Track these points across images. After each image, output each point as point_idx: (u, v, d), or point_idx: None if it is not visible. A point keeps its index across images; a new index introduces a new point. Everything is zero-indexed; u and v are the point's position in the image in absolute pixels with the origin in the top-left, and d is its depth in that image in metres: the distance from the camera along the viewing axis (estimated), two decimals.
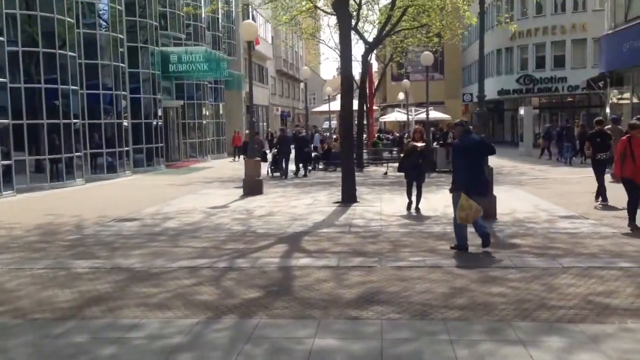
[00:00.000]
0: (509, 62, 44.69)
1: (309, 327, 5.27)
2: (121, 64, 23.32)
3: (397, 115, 48.15)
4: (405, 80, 41.80)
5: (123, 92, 23.52)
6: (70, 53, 19.73)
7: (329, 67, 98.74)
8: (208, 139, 35.18)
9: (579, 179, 19.05)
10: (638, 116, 10.80)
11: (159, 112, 27.54)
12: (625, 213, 10.29)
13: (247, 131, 22.86)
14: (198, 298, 6.23)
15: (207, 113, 35.56)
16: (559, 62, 41.22)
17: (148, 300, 6.18)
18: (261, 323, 5.40)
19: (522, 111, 35.06)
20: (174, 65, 27.92)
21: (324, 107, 49.09)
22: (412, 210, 12.27)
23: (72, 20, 20.29)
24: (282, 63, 60.16)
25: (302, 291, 6.48)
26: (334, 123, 54.65)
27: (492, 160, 22.94)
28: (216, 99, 37.72)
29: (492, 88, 46.29)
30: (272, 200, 15.08)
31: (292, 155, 23.02)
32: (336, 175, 22.00)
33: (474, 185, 8.44)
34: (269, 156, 23.25)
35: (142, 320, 5.52)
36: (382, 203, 13.88)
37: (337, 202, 14.05)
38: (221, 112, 38.83)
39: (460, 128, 8.92)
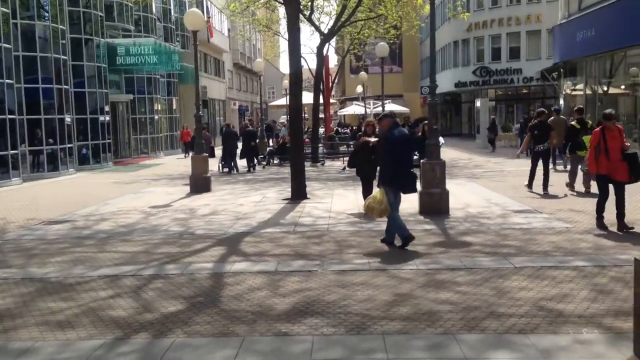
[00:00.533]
0: (466, 54, 44.73)
1: (229, 347, 4.63)
2: (62, 57, 22.15)
3: (355, 109, 47.72)
4: (362, 73, 41.42)
5: (65, 86, 22.36)
6: (4, 45, 18.59)
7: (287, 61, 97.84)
8: (160, 134, 34.11)
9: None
10: (580, 106, 10.56)
11: (106, 107, 26.42)
12: (576, 206, 9.95)
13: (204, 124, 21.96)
14: (110, 314, 5.53)
15: (160, 108, 34.47)
16: (515, 53, 41.40)
17: (52, 317, 5.45)
18: (175, 343, 4.74)
19: (478, 103, 35.01)
20: (122, 58, 26.83)
21: (282, 101, 48.34)
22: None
23: (7, 11, 19.14)
24: (240, 56, 59.16)
25: (230, 302, 5.84)
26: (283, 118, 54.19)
27: (448, 153, 22.20)
28: (169, 93, 36.60)
29: (449, 80, 46.34)
30: (219, 198, 14.37)
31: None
32: (287, 171, 21.40)
33: (399, 180, 8.14)
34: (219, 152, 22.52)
35: (37, 343, 4.80)
36: (333, 199, 13.32)
37: (286, 199, 13.44)
38: (175, 106, 37.73)
39: (390, 120, 8.45)
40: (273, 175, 20.59)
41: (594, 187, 10.20)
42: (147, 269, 7.26)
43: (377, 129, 10.48)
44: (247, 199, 13.87)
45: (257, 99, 72.09)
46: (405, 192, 8.38)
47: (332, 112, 57.16)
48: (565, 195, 13.00)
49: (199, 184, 15.69)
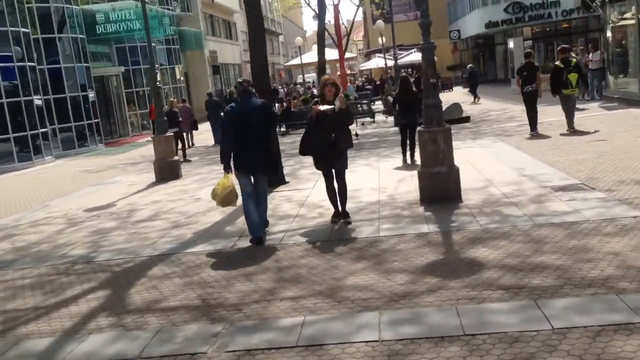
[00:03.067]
0: None
1: None
2: (22, 29, 19.41)
3: (378, 61, 43.94)
4: (379, 22, 37.49)
5: (30, 64, 19.69)
6: None
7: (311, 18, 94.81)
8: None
9: (580, 120, 15.39)
10: (564, 45, 9.77)
11: (92, 83, 23.76)
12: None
13: (172, 99, 19.12)
14: None
15: (161, 79, 31.63)
16: None
17: None
18: None
19: (511, 43, 31.02)
20: (102, 26, 23.99)
21: (296, 61, 44.94)
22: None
23: None
24: None
25: None
26: (310, 76, 50.73)
27: (480, 106, 18.43)
28: (171, 61, 33.72)
29: (478, 21, 42.10)
30: (180, 189, 11.57)
31: None
32: (291, 141, 18.47)
33: (247, 161, 6.83)
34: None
35: None
36: (317, 184, 10.32)
37: None
38: (178, 76, 34.88)
39: (240, 88, 7.25)
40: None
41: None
42: None
43: (342, 91, 7.38)
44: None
45: (279, 59, 68.94)
46: (256, 175, 6.98)
47: (351, 69, 53.37)
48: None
49: (165, 170, 12.92)
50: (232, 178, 6.95)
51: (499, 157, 11.22)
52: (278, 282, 5.35)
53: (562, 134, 13.10)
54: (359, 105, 24.79)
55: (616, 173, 8.50)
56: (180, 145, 16.31)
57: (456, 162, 9.55)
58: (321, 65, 23.87)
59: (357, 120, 22.69)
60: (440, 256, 5.63)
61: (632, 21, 17.62)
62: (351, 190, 9.20)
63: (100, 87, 26.80)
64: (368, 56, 60.91)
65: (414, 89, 12.99)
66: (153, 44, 30.17)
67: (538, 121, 13.76)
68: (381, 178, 10.31)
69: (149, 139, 26.06)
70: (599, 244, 5.45)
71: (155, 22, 26.61)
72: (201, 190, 11.05)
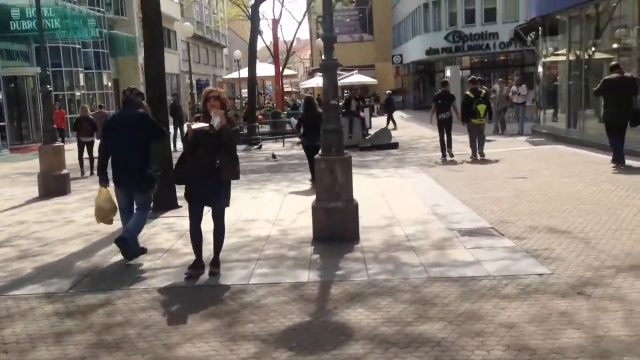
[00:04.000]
0: (437, 18, 40.42)
1: None
2: None
3: (319, 80, 43.22)
4: (319, 40, 36.73)
5: None
6: None
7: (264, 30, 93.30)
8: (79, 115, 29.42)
9: (506, 153, 14.88)
10: (473, 76, 12.09)
11: None
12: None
13: (84, 105, 17.68)
14: None
15: (84, 83, 29.93)
16: (490, 15, 37.19)
17: None
18: None
19: (448, 72, 30.89)
20: (17, 22, 22.21)
21: (234, 75, 43.76)
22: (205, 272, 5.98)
23: None
24: (196, 26, 54.13)
25: None
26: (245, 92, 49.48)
27: (411, 130, 18.70)
28: (98, 66, 31.97)
29: (419, 47, 42.18)
30: (58, 208, 10.21)
31: None
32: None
33: (119, 175, 6.46)
34: None
35: None
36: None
37: None
38: (106, 82, 33.13)
39: (123, 96, 6.77)
40: None
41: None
42: None
43: (228, 106, 6.27)
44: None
45: (222, 71, 67.52)
46: (129, 190, 6.49)
47: (293, 86, 52.38)
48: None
49: (50, 184, 11.52)
50: (108, 192, 6.59)
51: (416, 189, 10.41)
52: (93, 347, 4.20)
53: (467, 162, 13.72)
54: (288, 125, 23.92)
55: (530, 217, 7.76)
56: (87, 155, 14.90)
57: (370, 193, 8.79)
58: (251, 80, 22.80)
59: (285, 140, 21.79)
60: (307, 317, 4.62)
61: (563, 57, 17.37)
62: (243, 221, 8.21)
63: (13, 88, 24.93)
64: (312, 74, 60.44)
65: (319, 110, 12.27)
66: (80, 47, 28.57)
67: (453, 149, 14.46)
68: (284, 208, 9.29)
69: (67, 145, 24.43)
70: (494, 309, 4.57)
71: (79, 23, 25.04)
72: (81, 210, 9.75)
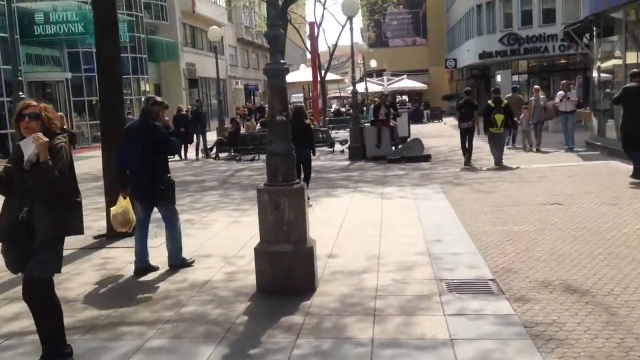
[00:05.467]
0: (491, 20, 38.03)
1: None
2: None
3: (368, 86, 41.43)
4: (362, 43, 35.27)
5: None
6: None
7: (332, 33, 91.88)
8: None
9: (550, 170, 12.93)
10: (496, 86, 13.39)
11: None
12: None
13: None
14: None
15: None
16: (549, 16, 34.61)
17: None
18: None
19: (498, 77, 28.68)
20: (41, 27, 21.64)
21: (292, 77, 42.58)
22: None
23: None
24: (244, 30, 53.52)
25: None
26: (297, 96, 48.27)
27: (454, 141, 17.25)
28: (135, 71, 31.41)
29: (473, 51, 39.93)
30: None
31: None
32: (246, 167, 16.31)
33: (134, 187, 6.29)
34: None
35: None
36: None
37: (99, 237, 8.09)
38: (144, 87, 32.57)
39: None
40: (207, 173, 15.21)
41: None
42: None
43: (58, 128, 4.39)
44: None
45: None
46: (141, 202, 6.33)
47: (338, 90, 50.59)
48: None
49: None
50: (124, 202, 6.42)
51: (423, 217, 8.72)
52: None
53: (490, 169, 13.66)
54: (321, 134, 22.34)
55: (548, 264, 6.02)
56: None
57: (366, 221, 7.34)
58: None
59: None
60: None
61: (619, 61, 15.19)
62: (196, 257, 6.78)
63: (48, 92, 24.57)
64: (361, 79, 58.78)
65: (307, 120, 11.17)
66: (125, 54, 28.03)
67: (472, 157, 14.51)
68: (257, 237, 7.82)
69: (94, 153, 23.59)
70: None
71: None
72: None
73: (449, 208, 9.35)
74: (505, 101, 14.29)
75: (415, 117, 41.14)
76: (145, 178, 6.18)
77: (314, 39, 27.44)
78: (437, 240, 7.28)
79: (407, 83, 42.70)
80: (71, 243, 7.77)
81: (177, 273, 6.26)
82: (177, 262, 6.40)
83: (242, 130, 21.94)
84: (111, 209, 6.59)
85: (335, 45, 34.49)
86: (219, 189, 12.73)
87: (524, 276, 5.68)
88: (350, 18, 18.30)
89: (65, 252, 7.00)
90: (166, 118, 6.57)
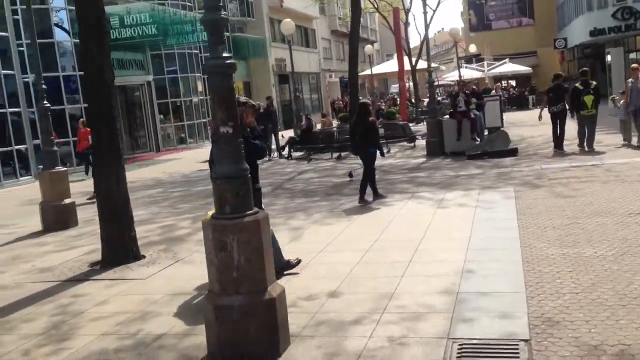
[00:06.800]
0: None
1: None
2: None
3: (464, 72, 38.81)
4: (455, 27, 32.81)
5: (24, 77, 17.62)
6: None
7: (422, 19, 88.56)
8: (197, 121, 28.53)
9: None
10: (585, 68, 13.64)
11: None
12: None
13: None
14: None
15: (202, 89, 29.21)
16: None
17: None
18: None
19: (609, 56, 25.47)
20: (117, 31, 21.61)
21: (381, 68, 40.95)
22: None
23: None
24: (338, 22, 52.36)
25: None
26: (396, 87, 46.25)
27: (544, 130, 16.33)
28: None
29: (583, 29, 36.19)
30: (31, 250, 8.48)
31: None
32: (312, 168, 15.35)
33: None
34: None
35: None
36: (170, 269, 6.81)
37: (95, 264, 7.21)
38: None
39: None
40: (268, 176, 14.26)
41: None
42: None
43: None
44: (60, 255, 7.87)
45: (368, 68, 65.07)
46: None
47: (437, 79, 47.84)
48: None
49: (51, 216, 9.89)
50: None
51: (476, 234, 7.12)
52: None
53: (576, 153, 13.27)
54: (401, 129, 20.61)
55: (613, 314, 4.33)
56: None
57: (401, 240, 6.17)
58: (352, 79, 19.88)
59: (388, 144, 18.62)
60: None
61: None
62: (169, 296, 5.66)
63: (124, 97, 24.80)
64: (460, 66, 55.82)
65: (371, 118, 9.80)
66: (184, 50, 27.76)
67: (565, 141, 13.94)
68: None
69: (180, 153, 23.71)
70: None
71: (188, 27, 24.11)
72: (60, 252, 7.93)
73: (513, 221, 7.65)
74: (594, 83, 13.96)
75: (520, 103, 38.18)
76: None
77: (398, 26, 25.70)
78: (475, 270, 5.72)
79: (509, 67, 39.65)
80: (62, 272, 6.98)
81: (135, 322, 5.17)
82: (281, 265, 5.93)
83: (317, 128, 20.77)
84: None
85: (427, 33, 32.41)
86: (266, 197, 11.64)
87: (573, 335, 4.06)
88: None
89: (42, 286, 6.24)
90: (252, 119, 5.79)
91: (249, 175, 4.24)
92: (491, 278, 5.50)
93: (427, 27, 18.83)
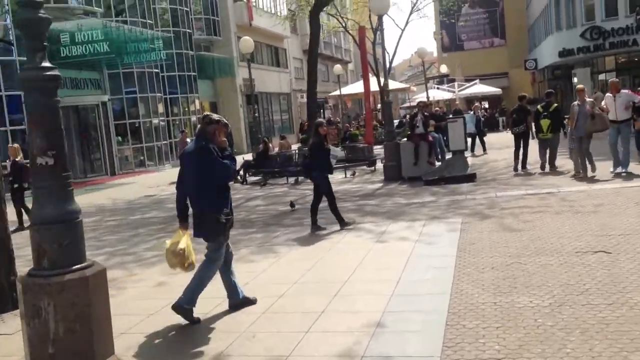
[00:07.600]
0: (571, 13, 34.16)
1: None
2: None
3: (434, 93, 38.43)
4: (422, 47, 32.45)
5: None
6: None
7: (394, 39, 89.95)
8: (161, 142, 27.62)
9: (614, 194, 9.99)
10: (549, 90, 13.91)
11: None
12: None
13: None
14: None
15: (163, 110, 28.31)
16: (638, 4, 30.49)
17: None
18: None
19: (575, 77, 25.19)
20: (67, 48, 20.67)
21: (351, 89, 40.36)
22: None
23: None
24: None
25: None
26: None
27: (510, 153, 15.43)
28: (185, 90, 30.34)
29: (552, 49, 36.22)
30: None
31: None
32: (262, 195, 14.47)
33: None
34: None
35: None
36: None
37: None
38: (195, 106, 31.46)
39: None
40: None
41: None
42: None
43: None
44: None
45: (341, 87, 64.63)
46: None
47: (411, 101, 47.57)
48: None
49: None
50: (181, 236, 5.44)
51: (406, 276, 6.33)
52: None
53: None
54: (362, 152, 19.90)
55: None
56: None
57: (329, 279, 5.51)
58: (311, 97, 19.12)
59: (349, 169, 17.94)
60: None
61: None
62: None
63: (81, 116, 23.83)
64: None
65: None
66: (156, 70, 26.88)
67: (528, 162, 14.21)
68: (158, 311, 5.73)
69: (139, 176, 22.42)
70: None
71: (145, 45, 23.27)
72: None
73: (451, 259, 6.88)
74: (555, 105, 13.85)
75: (491, 125, 37.77)
76: (197, 207, 5.50)
77: (364, 44, 25.12)
78: (391, 325, 4.92)
79: (479, 88, 39.43)
80: None
81: None
82: (182, 305, 5.38)
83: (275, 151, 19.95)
84: (166, 241, 5.63)
85: (395, 52, 32.02)
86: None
87: None
88: (380, 17, 15.96)
89: None
90: (224, 138, 5.55)
91: (79, 219, 3.40)
92: (406, 336, 4.70)
93: (383, 45, 18.13)
